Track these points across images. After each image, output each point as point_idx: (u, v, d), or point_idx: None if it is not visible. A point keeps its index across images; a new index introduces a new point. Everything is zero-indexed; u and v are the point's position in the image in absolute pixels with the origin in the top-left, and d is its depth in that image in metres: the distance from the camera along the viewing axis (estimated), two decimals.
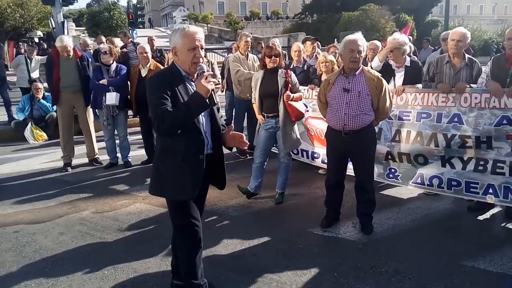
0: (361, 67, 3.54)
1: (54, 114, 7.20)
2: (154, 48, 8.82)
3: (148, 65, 5.59)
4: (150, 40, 8.87)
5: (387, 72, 4.48)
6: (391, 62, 4.65)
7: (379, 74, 3.61)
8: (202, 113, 2.41)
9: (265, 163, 4.46)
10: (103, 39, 9.30)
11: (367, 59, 5.88)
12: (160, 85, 2.32)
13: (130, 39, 8.86)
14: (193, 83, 2.41)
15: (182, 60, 2.37)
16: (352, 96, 3.47)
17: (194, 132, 2.38)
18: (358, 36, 3.51)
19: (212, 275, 2.87)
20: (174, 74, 2.39)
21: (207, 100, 2.29)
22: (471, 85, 4.03)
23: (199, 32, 2.37)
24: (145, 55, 5.57)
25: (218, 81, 6.65)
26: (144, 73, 5.59)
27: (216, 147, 2.57)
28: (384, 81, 3.57)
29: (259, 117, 4.33)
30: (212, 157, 2.54)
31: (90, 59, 6.07)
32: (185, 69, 2.39)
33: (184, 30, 2.34)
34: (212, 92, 2.32)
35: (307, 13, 38.50)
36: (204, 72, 2.32)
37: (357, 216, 3.83)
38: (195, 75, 2.39)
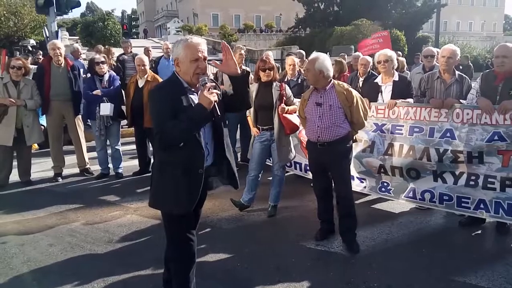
0: (331, 82, 3.63)
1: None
2: (150, 58, 8.85)
3: (145, 76, 5.60)
4: (147, 51, 8.91)
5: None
6: (378, 78, 4.71)
7: (349, 87, 3.68)
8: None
9: (260, 175, 4.45)
10: (100, 48, 9.29)
11: (358, 74, 5.95)
12: (163, 97, 2.30)
13: (130, 50, 8.86)
14: (195, 94, 2.38)
15: (184, 71, 2.35)
16: (324, 110, 3.60)
17: (194, 145, 2.34)
18: (313, 57, 3.59)
19: None
20: (176, 85, 2.37)
21: (210, 111, 2.27)
22: (460, 100, 4.10)
23: (202, 43, 2.35)
24: (143, 68, 5.57)
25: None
26: (141, 84, 5.59)
27: (221, 154, 2.52)
28: (354, 93, 3.63)
29: (254, 129, 4.34)
30: (222, 161, 2.53)
31: (81, 69, 6.06)
32: (187, 80, 2.36)
33: (187, 41, 2.33)
34: (215, 103, 2.28)
35: (300, 26, 38.90)
36: (206, 83, 2.28)
37: (340, 234, 3.76)
38: (197, 86, 2.36)
